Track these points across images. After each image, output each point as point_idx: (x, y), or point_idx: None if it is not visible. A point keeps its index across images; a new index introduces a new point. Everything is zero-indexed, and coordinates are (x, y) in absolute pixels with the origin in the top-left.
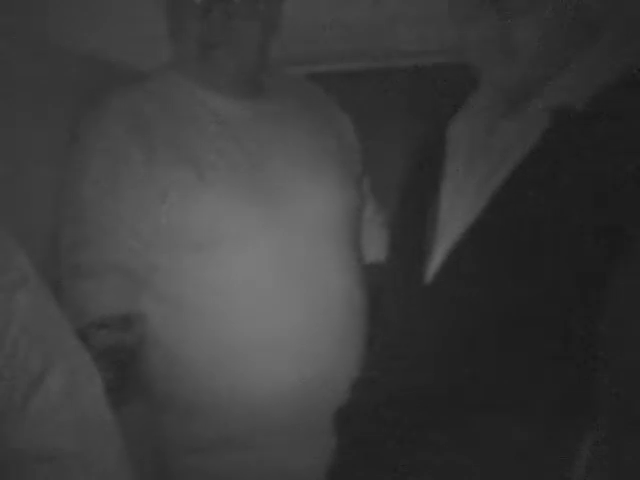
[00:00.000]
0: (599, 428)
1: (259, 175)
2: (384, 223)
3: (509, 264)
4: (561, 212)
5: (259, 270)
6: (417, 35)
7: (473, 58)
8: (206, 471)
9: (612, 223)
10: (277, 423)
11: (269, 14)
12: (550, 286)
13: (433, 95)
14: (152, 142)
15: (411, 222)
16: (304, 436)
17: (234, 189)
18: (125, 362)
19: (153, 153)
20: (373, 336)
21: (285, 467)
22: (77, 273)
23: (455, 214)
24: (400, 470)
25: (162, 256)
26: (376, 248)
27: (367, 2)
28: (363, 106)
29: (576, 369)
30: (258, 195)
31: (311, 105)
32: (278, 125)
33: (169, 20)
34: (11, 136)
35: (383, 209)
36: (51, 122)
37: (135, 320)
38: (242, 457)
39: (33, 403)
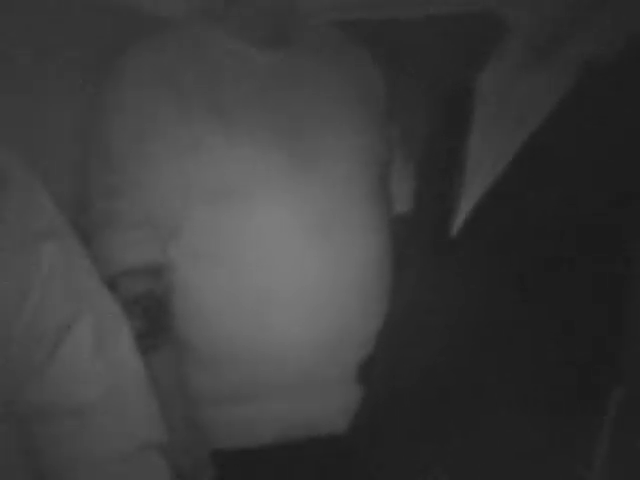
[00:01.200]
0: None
1: (287, 127)
2: (412, 175)
3: (536, 219)
4: (590, 166)
5: (284, 221)
6: None
7: (501, 5)
8: (231, 422)
9: None
10: (298, 375)
11: None
12: (574, 244)
13: (462, 44)
14: (182, 92)
15: (437, 174)
16: (325, 387)
17: (263, 140)
18: (154, 311)
19: (183, 103)
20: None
21: (307, 418)
22: (108, 223)
23: (482, 166)
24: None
25: (193, 207)
26: (404, 200)
27: None
28: (392, 55)
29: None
30: (287, 146)
31: (340, 55)
32: (306, 76)
33: None
34: (35, 84)
35: (412, 160)
36: (78, 71)
37: (163, 270)
38: (265, 408)
39: (61, 353)
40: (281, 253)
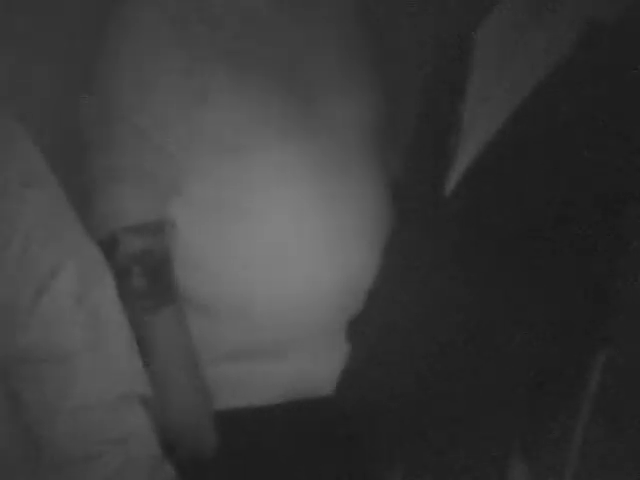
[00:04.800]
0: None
1: (291, 79)
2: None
3: (530, 180)
4: (587, 128)
5: (288, 175)
6: None
7: None
8: (233, 381)
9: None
10: (300, 332)
11: None
12: (571, 206)
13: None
14: (188, 39)
15: (432, 131)
16: (328, 346)
17: (268, 91)
18: (156, 270)
19: (188, 51)
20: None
21: (310, 378)
22: (109, 176)
23: (479, 122)
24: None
25: (197, 160)
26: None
27: None
28: (393, 7)
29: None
30: (291, 98)
31: (344, 9)
32: (311, 28)
33: None
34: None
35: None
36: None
37: (165, 227)
38: (268, 367)
39: (43, 302)
40: (286, 204)
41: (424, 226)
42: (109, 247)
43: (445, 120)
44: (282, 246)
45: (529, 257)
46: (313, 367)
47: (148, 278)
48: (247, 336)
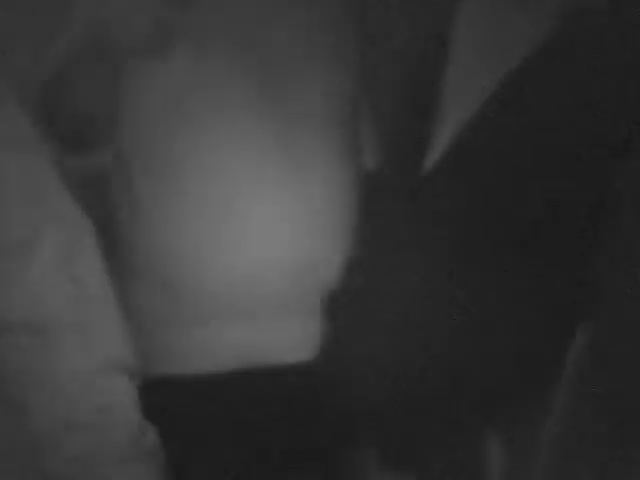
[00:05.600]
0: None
1: (257, 52)
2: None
3: (513, 157)
4: (568, 112)
5: (246, 135)
6: None
7: None
8: (188, 346)
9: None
10: (259, 298)
11: None
12: (553, 178)
13: None
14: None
15: (411, 108)
16: (288, 314)
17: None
18: None
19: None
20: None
21: (268, 345)
22: None
23: (460, 101)
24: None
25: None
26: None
27: None
28: None
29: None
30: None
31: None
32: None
33: None
34: None
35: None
36: None
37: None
38: (224, 332)
39: (23, 268)
40: (243, 167)
41: (403, 206)
42: None
43: (423, 98)
44: (241, 210)
45: (510, 240)
46: (272, 335)
47: None
48: (204, 301)
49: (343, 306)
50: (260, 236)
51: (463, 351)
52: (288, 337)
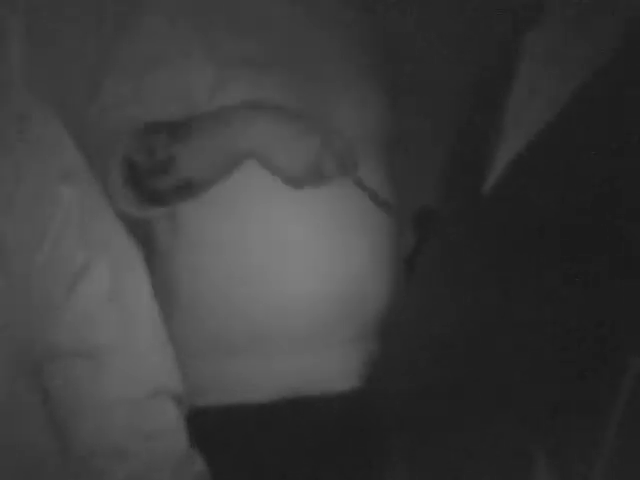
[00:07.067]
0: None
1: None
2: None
3: (572, 180)
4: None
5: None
6: None
7: None
8: (229, 376)
9: None
10: (302, 328)
11: None
12: (618, 206)
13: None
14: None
15: (473, 129)
16: (331, 343)
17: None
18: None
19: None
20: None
21: (310, 375)
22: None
23: (522, 122)
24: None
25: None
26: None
27: None
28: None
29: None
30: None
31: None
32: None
33: None
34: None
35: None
36: None
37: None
38: (267, 362)
39: (75, 297)
40: (287, 201)
41: (462, 228)
42: None
43: (486, 117)
44: (284, 242)
45: (571, 258)
46: (313, 364)
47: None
48: (245, 330)
49: (388, 336)
50: (306, 267)
51: (514, 380)
52: (333, 366)
